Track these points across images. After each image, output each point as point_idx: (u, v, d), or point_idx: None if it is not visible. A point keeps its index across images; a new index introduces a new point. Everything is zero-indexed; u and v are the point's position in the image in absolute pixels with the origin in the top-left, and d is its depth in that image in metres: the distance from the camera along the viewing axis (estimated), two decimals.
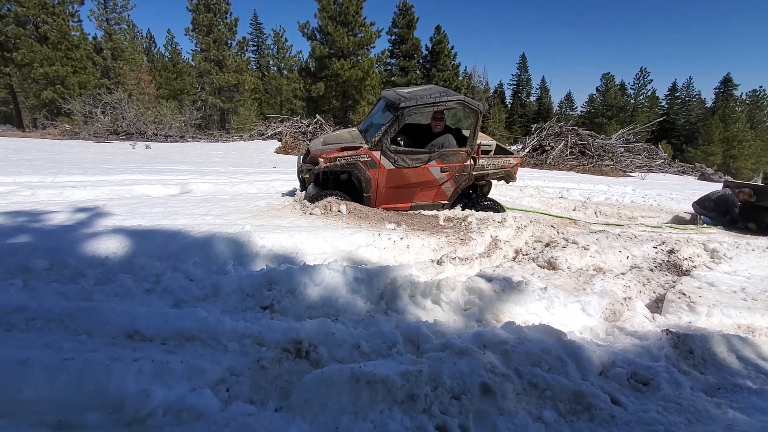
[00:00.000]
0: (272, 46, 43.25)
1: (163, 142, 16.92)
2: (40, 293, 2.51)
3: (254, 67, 41.13)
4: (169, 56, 41.10)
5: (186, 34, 26.90)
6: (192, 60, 30.57)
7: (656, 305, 3.31)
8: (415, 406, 1.71)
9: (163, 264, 2.92)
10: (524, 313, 2.71)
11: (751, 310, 3.09)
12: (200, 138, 18.92)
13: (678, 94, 54.11)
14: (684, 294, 3.22)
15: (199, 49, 27.10)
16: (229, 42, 27.76)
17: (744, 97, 45.15)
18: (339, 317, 2.52)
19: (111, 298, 2.48)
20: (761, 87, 45.06)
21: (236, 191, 6.30)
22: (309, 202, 4.61)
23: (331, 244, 3.50)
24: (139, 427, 1.53)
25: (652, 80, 48.99)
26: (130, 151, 13.01)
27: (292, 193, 5.77)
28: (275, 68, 42.82)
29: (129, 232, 3.31)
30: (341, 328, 2.22)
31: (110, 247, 3.06)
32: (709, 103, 50.89)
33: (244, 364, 1.87)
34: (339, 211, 4.39)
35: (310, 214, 4.36)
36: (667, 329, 2.61)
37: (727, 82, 49.47)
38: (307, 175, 4.76)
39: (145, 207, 4.44)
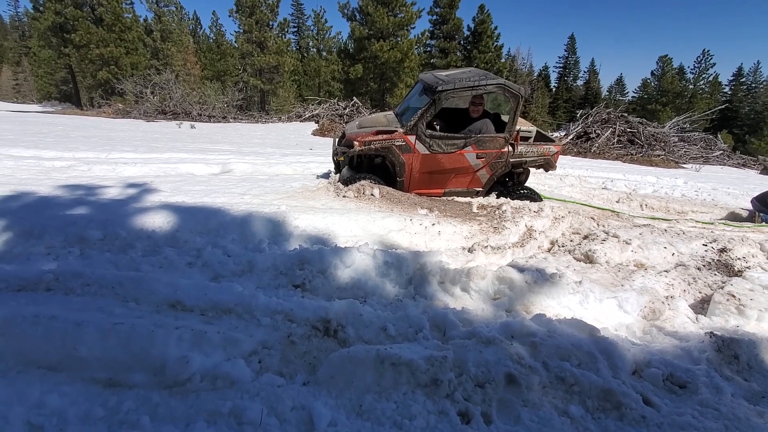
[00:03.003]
0: (312, 27, 43.40)
1: (206, 122, 17.60)
2: (94, 261, 2.73)
3: (294, 48, 41.52)
4: (214, 38, 42.28)
5: (230, 16, 27.48)
6: (235, 41, 31.27)
7: (701, 306, 3.12)
8: (438, 391, 1.73)
9: (204, 239, 3.08)
10: (556, 306, 2.64)
11: None
12: (241, 119, 19.50)
13: (744, 79, 49.40)
14: (733, 296, 3.01)
15: (242, 31, 27.63)
16: (270, 23, 28.09)
17: None
18: (367, 299, 2.57)
19: (156, 269, 2.65)
20: None
21: (273, 172, 6.48)
22: (343, 184, 4.67)
23: (362, 227, 3.54)
24: (178, 390, 1.65)
25: (714, 64, 45.01)
26: (177, 131, 13.63)
27: (326, 176, 5.86)
28: (314, 50, 43.02)
29: (173, 208, 3.50)
30: (369, 310, 2.27)
31: (156, 221, 3.26)
32: None
33: (275, 338, 1.96)
34: (372, 194, 4.41)
35: (344, 196, 4.42)
36: (711, 332, 2.46)
37: None
38: (342, 158, 4.80)
39: (189, 185, 4.67)
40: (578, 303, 2.66)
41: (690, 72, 45.66)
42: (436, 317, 2.31)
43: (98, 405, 1.56)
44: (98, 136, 10.13)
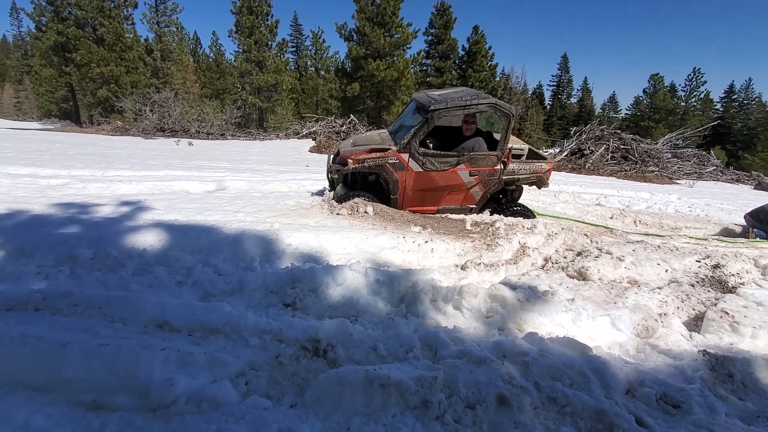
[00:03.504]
0: (310, 47, 44.24)
1: (204, 139, 17.73)
2: (84, 281, 2.71)
3: (293, 67, 42.22)
4: (213, 57, 43.00)
5: (229, 36, 28.00)
6: (234, 61, 31.78)
7: (695, 323, 3.11)
8: (428, 413, 1.70)
9: (195, 258, 3.07)
10: (549, 324, 2.63)
11: None
12: (239, 136, 19.66)
13: (735, 96, 50.41)
14: (727, 313, 3.00)
15: (241, 50, 28.13)
16: (269, 43, 28.61)
17: None
18: (358, 318, 2.55)
19: (146, 289, 2.63)
20: None
21: (268, 189, 6.50)
22: (336, 202, 4.68)
23: (355, 244, 3.54)
24: (163, 413, 1.62)
25: (705, 82, 45.83)
26: (174, 148, 13.71)
27: (321, 193, 5.88)
28: (312, 68, 43.75)
29: (166, 226, 3.50)
30: (359, 329, 2.25)
31: (148, 239, 3.25)
32: None
33: (263, 359, 1.93)
34: (365, 212, 4.43)
35: (337, 214, 4.43)
36: (705, 350, 2.44)
37: None
38: (336, 176, 4.83)
39: (183, 202, 4.67)
40: (571, 321, 2.65)
41: (681, 90, 46.56)
42: (427, 336, 2.29)
43: (82, 428, 1.53)
44: (96, 154, 10.18)
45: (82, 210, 4.22)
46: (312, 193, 6.14)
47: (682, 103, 45.62)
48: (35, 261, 2.93)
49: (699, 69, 45.63)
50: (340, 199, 4.71)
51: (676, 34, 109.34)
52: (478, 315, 2.70)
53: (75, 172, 6.81)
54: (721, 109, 49.79)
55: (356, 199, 4.60)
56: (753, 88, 49.80)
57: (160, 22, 29.04)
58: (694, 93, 46.16)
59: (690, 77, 46.11)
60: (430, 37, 30.25)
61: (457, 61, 31.38)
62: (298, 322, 2.21)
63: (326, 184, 5.64)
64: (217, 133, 19.12)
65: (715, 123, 39.54)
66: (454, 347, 2.20)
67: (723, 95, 50.82)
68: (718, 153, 26.92)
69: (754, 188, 16.01)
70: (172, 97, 20.68)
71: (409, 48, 25.58)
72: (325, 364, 1.99)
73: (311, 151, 15.25)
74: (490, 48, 30.51)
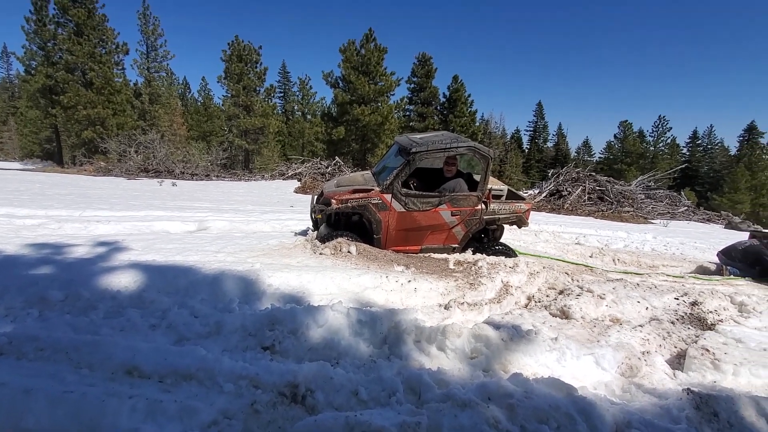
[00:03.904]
0: (298, 93, 45.69)
1: (189, 180, 17.67)
2: (52, 324, 2.58)
3: (280, 111, 43.36)
4: (202, 101, 43.91)
5: (218, 82, 28.78)
6: (222, 104, 32.45)
7: (678, 361, 3.11)
8: None
9: (171, 299, 2.97)
10: (534, 364, 2.59)
11: None
12: (224, 177, 19.69)
13: (699, 141, 53.75)
14: (708, 350, 3.02)
15: (229, 95, 28.84)
16: (257, 89, 29.48)
17: None
18: (340, 361, 2.47)
19: (117, 333, 2.51)
20: None
21: (251, 229, 6.44)
22: (320, 242, 4.67)
23: (338, 284, 3.49)
24: None
25: (671, 128, 49.06)
26: (157, 188, 13.60)
27: (305, 233, 5.86)
28: (299, 113, 44.95)
29: (142, 266, 3.40)
30: (340, 372, 2.17)
31: (123, 281, 3.14)
32: (734, 151, 50.25)
33: (237, 407, 1.83)
34: (349, 251, 4.41)
35: (320, 254, 4.40)
36: (689, 388, 2.43)
37: (751, 130, 49.01)
38: (320, 216, 4.85)
39: (162, 243, 4.58)
40: (555, 360, 2.62)
41: (649, 135, 49.44)
42: (411, 379, 2.22)
43: None
44: (75, 194, 10.00)
45: (56, 251, 4.09)
46: (295, 233, 6.11)
47: (651, 148, 48.30)
48: (4, 303, 2.81)
49: (664, 117, 48.89)
50: (324, 239, 4.70)
51: (642, 83, 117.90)
52: (462, 356, 2.65)
53: (52, 212, 6.65)
54: (687, 153, 52.82)
55: (339, 239, 4.60)
56: (715, 134, 53.39)
57: (150, 68, 29.72)
58: (662, 138, 49.08)
59: (656, 124, 49.22)
60: (412, 85, 31.78)
61: (438, 107, 32.84)
62: (276, 366, 2.12)
63: (310, 224, 5.64)
64: (202, 174, 19.13)
65: (683, 166, 41.83)
66: (438, 390, 2.14)
67: (688, 140, 54.14)
68: (689, 194, 28.20)
69: (724, 227, 16.66)
70: (158, 138, 20.81)
71: (393, 94, 26.80)
72: (304, 411, 1.90)
73: (296, 192, 15.33)
74: (469, 95, 32.17)
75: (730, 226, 16.92)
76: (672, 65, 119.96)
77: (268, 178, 19.91)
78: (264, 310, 2.80)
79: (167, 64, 31.16)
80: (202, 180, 18.26)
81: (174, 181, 16.15)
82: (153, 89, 29.90)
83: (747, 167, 38.07)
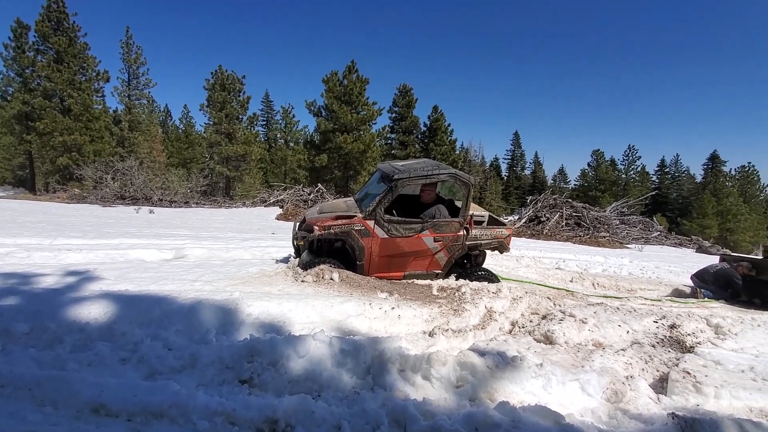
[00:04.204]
0: (280, 121, 46.08)
1: (167, 207, 17.28)
2: (15, 358, 2.42)
3: (263, 139, 43.44)
4: (183, 128, 43.70)
5: (201, 110, 28.81)
6: (204, 132, 32.33)
7: (661, 384, 3.13)
8: None
9: (144, 331, 2.82)
10: (520, 391, 2.55)
11: (762, 391, 2.90)
12: (204, 204, 19.35)
13: (667, 169, 56.44)
14: (689, 373, 3.05)
15: (211, 123, 28.82)
16: (240, 117, 29.60)
17: (733, 172, 46.57)
18: (322, 393, 2.37)
19: (84, 368, 2.36)
20: (750, 163, 46.44)
21: (230, 257, 6.29)
22: (302, 269, 4.58)
23: (320, 312, 3.41)
24: None
25: (640, 157, 51.53)
26: (133, 216, 13.23)
27: (286, 260, 5.75)
28: (282, 140, 45.17)
29: (114, 297, 3.25)
30: (322, 406, 2.09)
31: (92, 312, 2.99)
32: (699, 179, 52.84)
33: None
34: (331, 278, 4.34)
35: (302, 281, 4.31)
36: (674, 413, 2.43)
37: (714, 159, 51.88)
38: (302, 242, 4.78)
39: (136, 272, 4.41)
40: (541, 387, 2.59)
41: (621, 163, 51.64)
42: (396, 411, 2.15)
43: None
44: (46, 222, 9.62)
45: (22, 280, 3.88)
46: (276, 260, 5.99)
47: (623, 175, 50.36)
48: None
49: (633, 146, 51.34)
50: (306, 266, 4.62)
51: (613, 113, 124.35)
52: (447, 385, 2.59)
53: (21, 241, 6.35)
54: (657, 181, 55.23)
55: (322, 266, 4.53)
56: (681, 162, 56.23)
57: (131, 95, 29.57)
58: (632, 167, 51.33)
59: (626, 152, 51.56)
60: (394, 114, 32.59)
61: (419, 136, 33.64)
62: (255, 401, 2.03)
63: (292, 251, 5.55)
64: (181, 201, 18.76)
65: (653, 193, 43.63)
66: (424, 422, 2.08)
67: (657, 168, 56.78)
68: (660, 219, 29.30)
69: (695, 251, 17.27)
70: (137, 165, 20.46)
71: (375, 123, 27.37)
72: None
73: (278, 219, 15.16)
74: (449, 125, 33.12)
75: (700, 250, 17.56)
76: (640, 95, 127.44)
77: (249, 205, 19.67)
78: (242, 341, 2.69)
79: (149, 92, 31.14)
80: (180, 207, 17.88)
81: (151, 208, 15.77)
82: (133, 116, 29.64)
83: (712, 194, 39.94)
